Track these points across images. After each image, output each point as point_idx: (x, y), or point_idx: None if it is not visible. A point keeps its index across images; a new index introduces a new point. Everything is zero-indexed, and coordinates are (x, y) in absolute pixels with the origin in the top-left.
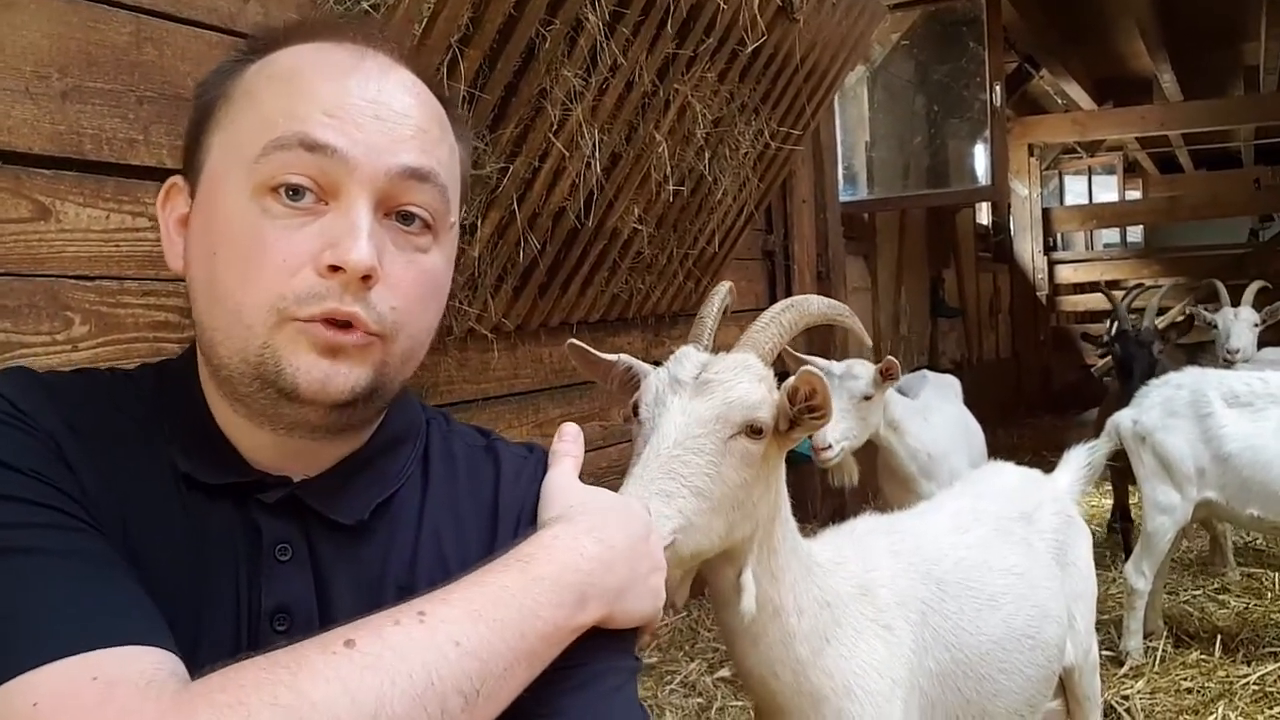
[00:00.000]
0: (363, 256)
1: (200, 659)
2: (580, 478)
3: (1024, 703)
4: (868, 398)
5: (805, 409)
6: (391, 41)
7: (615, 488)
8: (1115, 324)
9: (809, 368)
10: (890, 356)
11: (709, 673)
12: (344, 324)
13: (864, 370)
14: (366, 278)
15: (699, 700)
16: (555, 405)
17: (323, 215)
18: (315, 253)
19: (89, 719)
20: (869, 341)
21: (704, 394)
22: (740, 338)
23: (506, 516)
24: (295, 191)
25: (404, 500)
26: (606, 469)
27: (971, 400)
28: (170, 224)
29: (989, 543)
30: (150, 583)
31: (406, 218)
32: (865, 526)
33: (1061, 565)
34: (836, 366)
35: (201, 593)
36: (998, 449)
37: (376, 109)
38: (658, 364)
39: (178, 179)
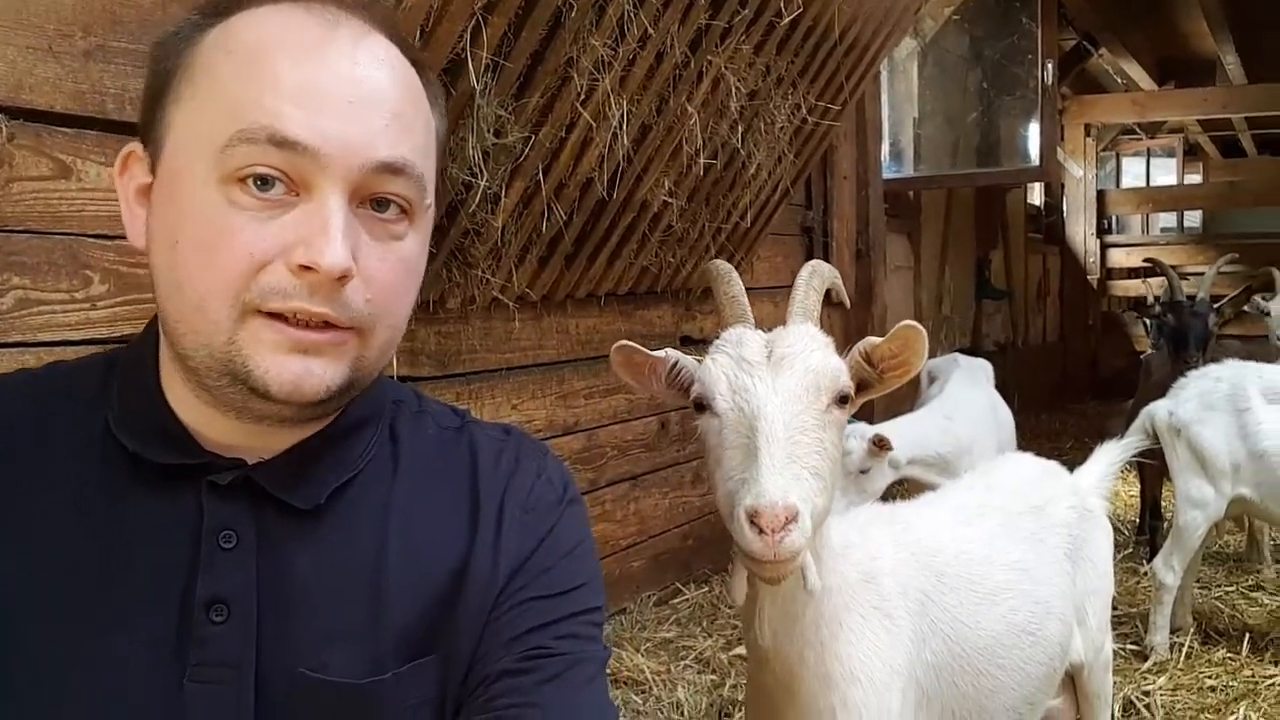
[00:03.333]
0: (337, 260)
1: (132, 654)
2: (606, 450)
3: (1022, 699)
4: (864, 471)
5: (891, 365)
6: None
7: (641, 461)
8: (1170, 293)
9: (910, 323)
10: (881, 433)
11: (725, 650)
12: (316, 323)
13: (856, 444)
14: (341, 278)
15: (713, 677)
16: (580, 377)
17: (293, 207)
18: (285, 246)
19: None
20: (848, 302)
21: (785, 370)
22: (788, 310)
23: (488, 504)
24: (264, 181)
25: (369, 485)
26: (632, 441)
27: (1017, 383)
28: (130, 194)
29: (993, 536)
30: (50, 589)
31: (381, 203)
32: (868, 515)
33: (1074, 561)
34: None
35: (128, 586)
36: (1041, 434)
37: (351, 91)
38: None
39: (135, 147)
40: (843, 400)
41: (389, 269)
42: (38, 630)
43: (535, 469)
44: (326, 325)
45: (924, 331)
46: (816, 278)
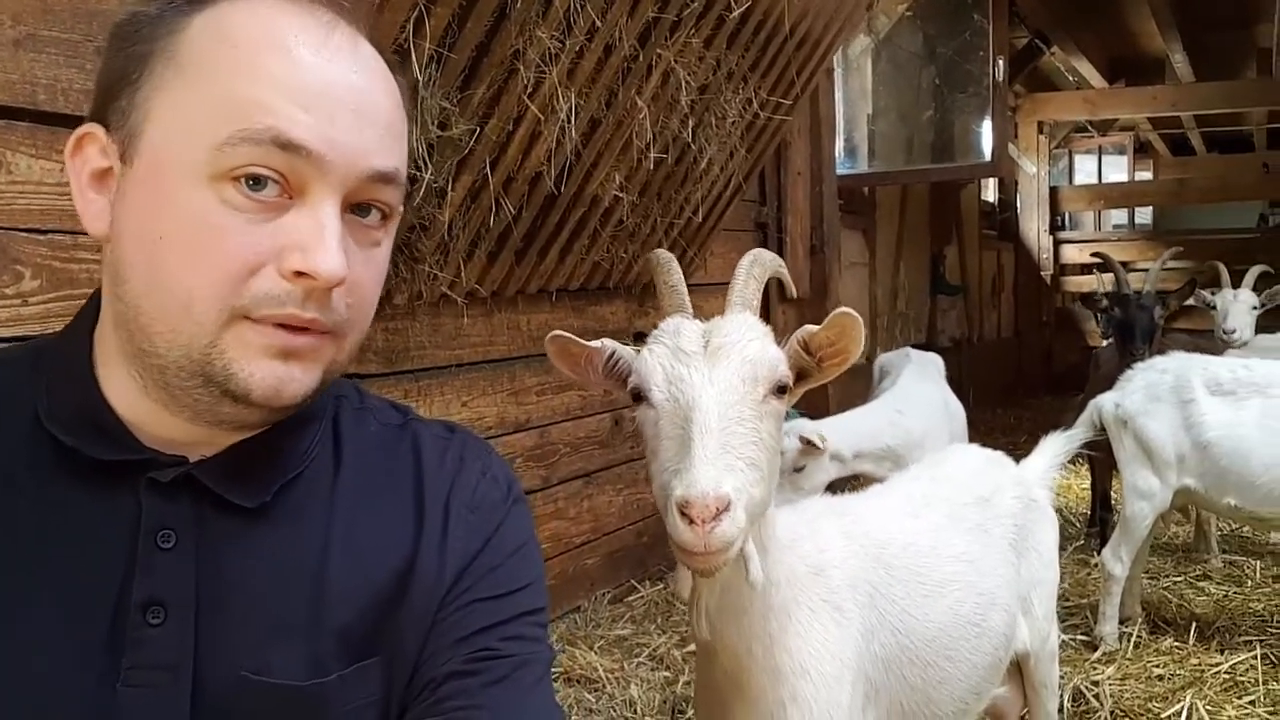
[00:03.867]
0: (335, 268)
1: (60, 656)
2: (559, 448)
3: (969, 690)
4: (799, 469)
5: (830, 354)
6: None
7: (594, 458)
8: (1117, 287)
9: (846, 310)
10: (810, 441)
11: (679, 646)
12: (299, 327)
13: (789, 442)
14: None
15: (666, 674)
16: (532, 374)
17: (286, 210)
18: (278, 251)
19: None
20: (794, 291)
21: (721, 359)
22: (728, 298)
23: (433, 504)
24: (256, 181)
25: (311, 483)
26: (584, 438)
27: (972, 379)
28: (84, 179)
29: (939, 528)
30: None
31: (362, 208)
32: (817, 508)
33: (1019, 551)
34: None
35: (57, 584)
36: (996, 429)
37: (354, 99)
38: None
39: (94, 129)
40: (781, 390)
41: (370, 274)
42: None
43: (480, 468)
44: (306, 329)
45: (860, 318)
46: (757, 266)
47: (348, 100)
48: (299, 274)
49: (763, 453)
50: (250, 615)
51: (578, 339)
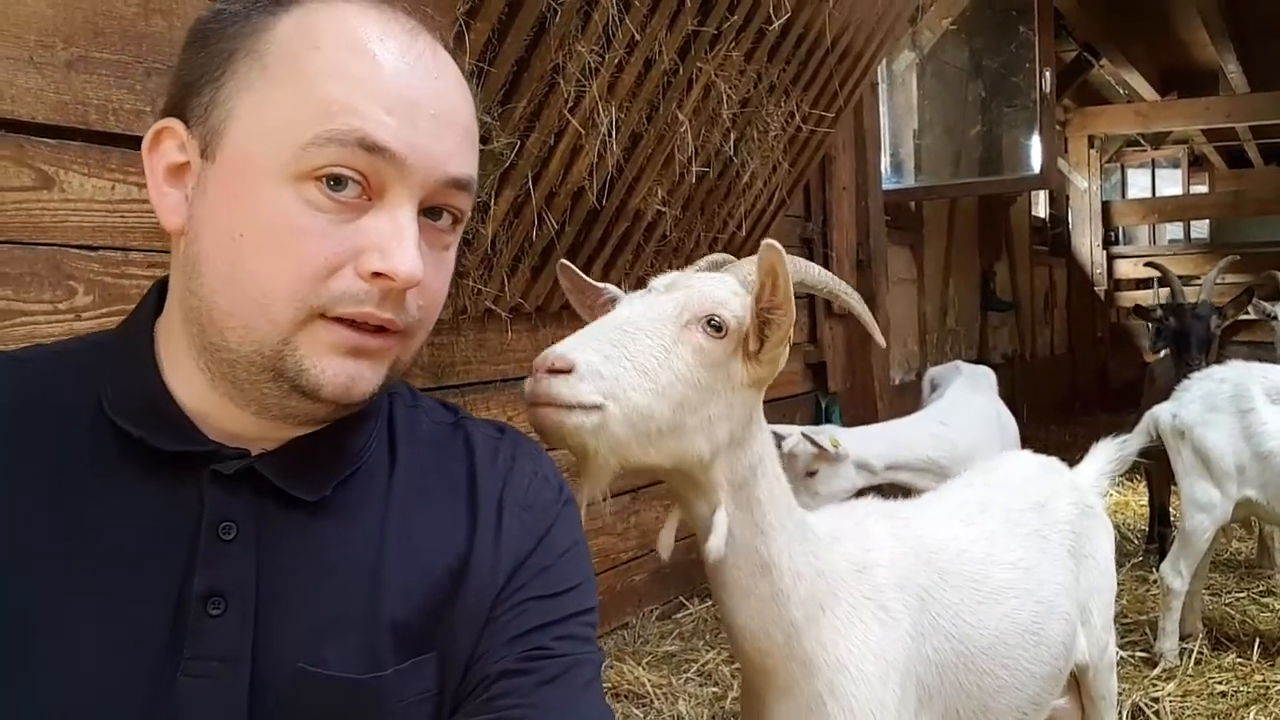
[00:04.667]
0: (414, 270)
1: (124, 646)
2: None
3: (1027, 700)
4: (811, 473)
5: (769, 305)
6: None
7: (641, 473)
8: (1172, 297)
9: (768, 241)
10: (816, 443)
11: (727, 662)
12: (375, 326)
13: (805, 448)
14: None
15: (714, 689)
16: None
17: (365, 211)
18: (357, 251)
19: None
20: (873, 323)
21: (669, 293)
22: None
23: (486, 502)
24: (337, 181)
25: (368, 479)
26: None
27: (1025, 396)
28: (159, 173)
29: (995, 535)
30: (34, 575)
31: (434, 212)
32: (865, 509)
33: (1076, 559)
34: (788, 441)
35: (117, 574)
36: (1050, 446)
37: (436, 105)
38: None
39: (172, 124)
40: (715, 327)
41: (439, 277)
42: (18, 616)
43: (531, 467)
44: (380, 330)
45: (781, 248)
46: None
47: (429, 105)
48: (376, 275)
49: (664, 371)
50: (308, 608)
51: (584, 275)
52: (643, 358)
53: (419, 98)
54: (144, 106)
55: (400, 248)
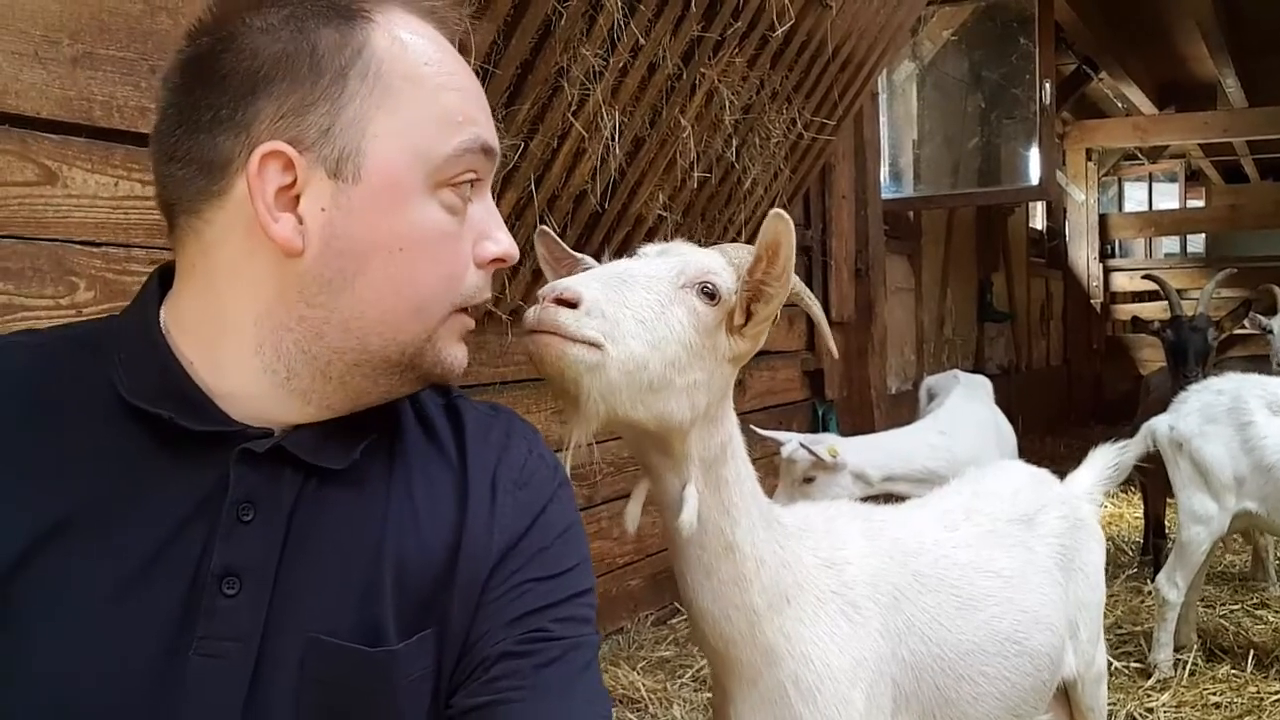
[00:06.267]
0: (514, 248)
1: (138, 625)
2: (602, 467)
3: (1006, 710)
4: (809, 480)
5: (764, 278)
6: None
7: (637, 478)
8: (1169, 310)
9: (779, 211)
10: (814, 452)
11: None
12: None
13: (803, 455)
14: None
15: (709, 695)
16: None
17: (467, 204)
18: (474, 243)
19: None
20: (828, 334)
21: (661, 257)
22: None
23: (479, 478)
24: (469, 185)
25: (376, 454)
26: (628, 458)
27: (1020, 407)
28: (270, 197)
29: (977, 543)
30: (53, 551)
31: None
32: (837, 509)
33: (1065, 571)
34: (786, 446)
35: (136, 552)
36: (1045, 458)
37: (486, 103)
38: None
39: (281, 147)
40: (708, 294)
41: None
42: (34, 588)
43: (527, 446)
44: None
45: (789, 219)
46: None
47: (486, 103)
48: (493, 260)
49: (660, 325)
50: (322, 581)
51: (562, 243)
52: (642, 310)
53: (480, 92)
54: (148, 103)
55: (501, 229)
